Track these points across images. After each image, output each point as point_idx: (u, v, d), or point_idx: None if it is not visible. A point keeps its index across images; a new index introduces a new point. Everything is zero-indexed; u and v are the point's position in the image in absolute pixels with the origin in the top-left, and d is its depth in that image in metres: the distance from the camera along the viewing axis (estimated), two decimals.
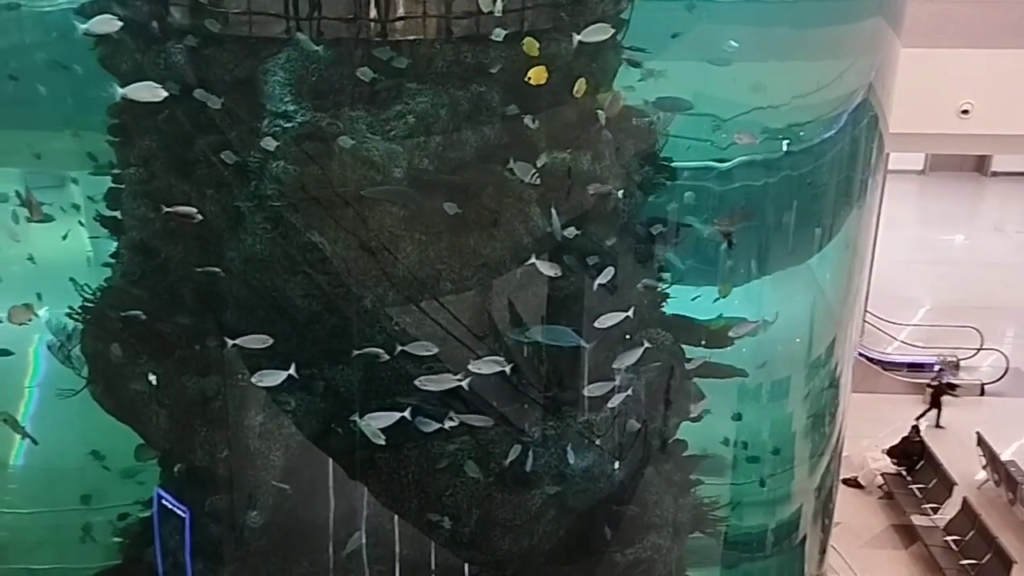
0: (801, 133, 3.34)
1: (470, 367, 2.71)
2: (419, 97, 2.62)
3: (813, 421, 3.67)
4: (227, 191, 2.68)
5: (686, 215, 3.15)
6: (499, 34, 2.60)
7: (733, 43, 2.99)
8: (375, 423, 2.67)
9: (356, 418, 2.69)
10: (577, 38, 2.67)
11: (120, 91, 2.56)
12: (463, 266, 2.76)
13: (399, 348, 2.69)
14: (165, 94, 2.54)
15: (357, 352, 2.71)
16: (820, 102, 3.27)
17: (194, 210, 2.64)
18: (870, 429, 5.94)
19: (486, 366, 2.72)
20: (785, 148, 3.31)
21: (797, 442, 3.67)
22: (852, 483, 6.25)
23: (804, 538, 3.79)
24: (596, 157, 2.89)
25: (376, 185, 2.62)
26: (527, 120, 2.69)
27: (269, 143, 2.58)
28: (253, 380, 2.71)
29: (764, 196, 3.32)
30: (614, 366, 2.90)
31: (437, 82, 2.64)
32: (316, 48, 2.54)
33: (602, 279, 2.84)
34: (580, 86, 2.72)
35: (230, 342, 2.64)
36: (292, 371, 2.67)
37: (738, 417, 3.39)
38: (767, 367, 3.46)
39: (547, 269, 2.79)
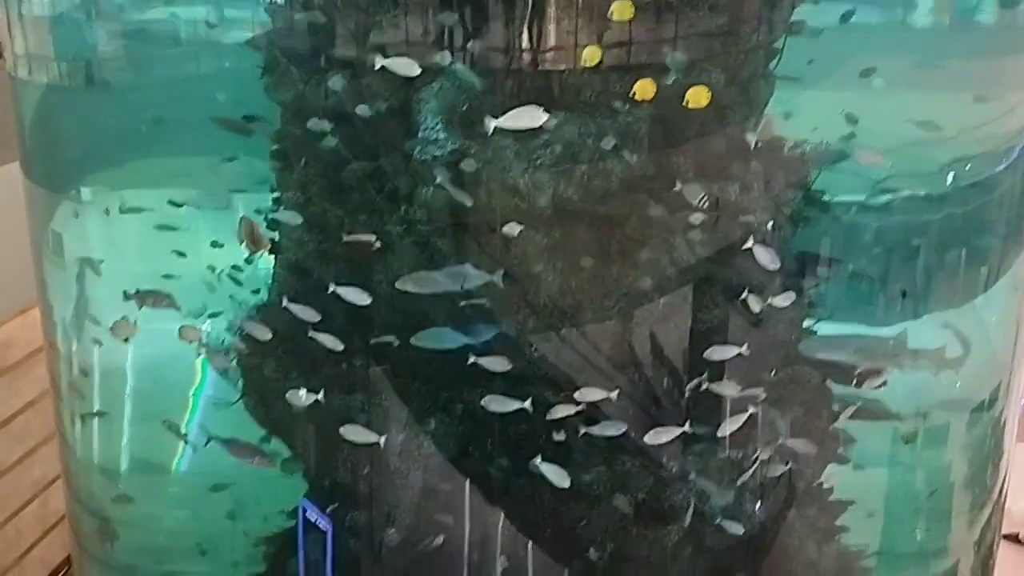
0: (968, 167, 3.18)
1: (575, 395, 2.66)
2: (566, 126, 2.64)
3: (974, 472, 3.46)
4: (378, 216, 2.76)
5: (838, 250, 3.05)
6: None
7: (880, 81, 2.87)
8: None
9: (537, 462, 2.69)
10: None
11: (493, 123, 2.46)
12: (604, 296, 2.75)
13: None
14: (545, 117, 2.47)
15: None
16: (990, 135, 3.11)
17: (372, 237, 2.69)
18: None
19: (591, 394, 2.66)
20: (950, 182, 3.16)
21: (955, 493, 3.47)
22: (1014, 539, 5.87)
23: None
24: (744, 188, 2.84)
25: (521, 214, 2.65)
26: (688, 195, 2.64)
27: (469, 164, 2.52)
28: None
29: (925, 232, 3.17)
30: (718, 434, 2.81)
31: (584, 111, 2.65)
32: (475, 80, 2.57)
33: (783, 301, 2.74)
34: (697, 95, 2.52)
35: (472, 358, 2.65)
36: None
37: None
38: (924, 412, 3.30)
39: (765, 258, 2.70)
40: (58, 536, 5.01)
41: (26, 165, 3.32)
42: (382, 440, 2.80)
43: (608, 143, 2.60)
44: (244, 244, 2.87)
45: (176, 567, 3.55)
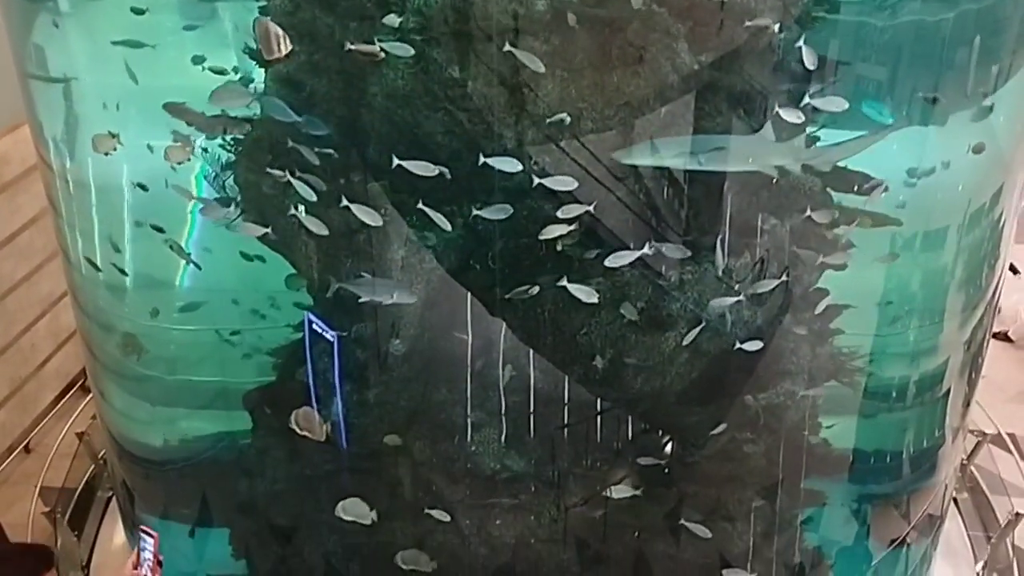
0: None
1: (559, 213, 2.67)
2: None
3: (969, 273, 3.49)
4: (370, 24, 2.66)
5: (846, 53, 2.95)
6: None
7: None
8: None
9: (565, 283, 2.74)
10: None
11: None
12: (605, 105, 2.69)
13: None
14: None
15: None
16: None
17: (377, 48, 2.59)
18: None
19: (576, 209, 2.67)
20: None
21: (949, 295, 3.51)
22: (1002, 337, 6.04)
23: (948, 391, 3.69)
24: None
25: (520, 19, 2.55)
26: None
27: None
28: None
29: (936, 32, 3.05)
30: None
31: None
32: None
33: (832, 107, 2.67)
34: None
35: (536, 180, 2.64)
36: None
37: None
38: (925, 215, 3.29)
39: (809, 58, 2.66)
40: (73, 349, 5.15)
41: None
42: (268, 231, 2.92)
43: None
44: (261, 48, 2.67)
45: (186, 376, 3.66)
